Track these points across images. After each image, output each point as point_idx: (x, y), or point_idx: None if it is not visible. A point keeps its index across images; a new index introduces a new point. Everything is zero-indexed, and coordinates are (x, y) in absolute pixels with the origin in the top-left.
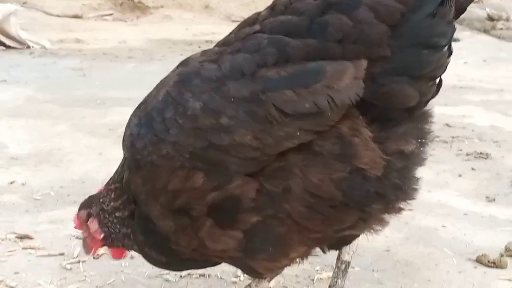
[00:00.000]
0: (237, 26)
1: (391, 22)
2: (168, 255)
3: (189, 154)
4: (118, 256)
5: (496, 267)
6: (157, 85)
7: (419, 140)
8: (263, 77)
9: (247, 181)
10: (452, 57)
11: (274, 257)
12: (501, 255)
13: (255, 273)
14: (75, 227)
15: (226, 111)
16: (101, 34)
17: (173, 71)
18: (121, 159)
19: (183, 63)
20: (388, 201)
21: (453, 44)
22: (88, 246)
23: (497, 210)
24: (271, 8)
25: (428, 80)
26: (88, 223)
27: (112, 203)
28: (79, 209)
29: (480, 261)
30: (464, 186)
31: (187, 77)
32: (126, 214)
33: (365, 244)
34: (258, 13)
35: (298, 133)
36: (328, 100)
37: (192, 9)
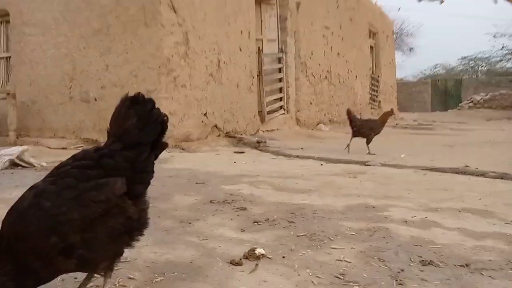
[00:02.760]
0: (55, 167)
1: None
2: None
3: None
4: None
5: None
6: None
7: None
8: (80, 188)
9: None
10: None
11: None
12: None
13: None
14: None
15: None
16: None
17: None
18: None
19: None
20: (139, 233)
21: None
22: None
23: None
24: (73, 157)
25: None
26: None
27: None
28: None
29: None
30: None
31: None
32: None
33: None
34: (67, 160)
35: (99, 210)
36: (112, 194)
37: None
